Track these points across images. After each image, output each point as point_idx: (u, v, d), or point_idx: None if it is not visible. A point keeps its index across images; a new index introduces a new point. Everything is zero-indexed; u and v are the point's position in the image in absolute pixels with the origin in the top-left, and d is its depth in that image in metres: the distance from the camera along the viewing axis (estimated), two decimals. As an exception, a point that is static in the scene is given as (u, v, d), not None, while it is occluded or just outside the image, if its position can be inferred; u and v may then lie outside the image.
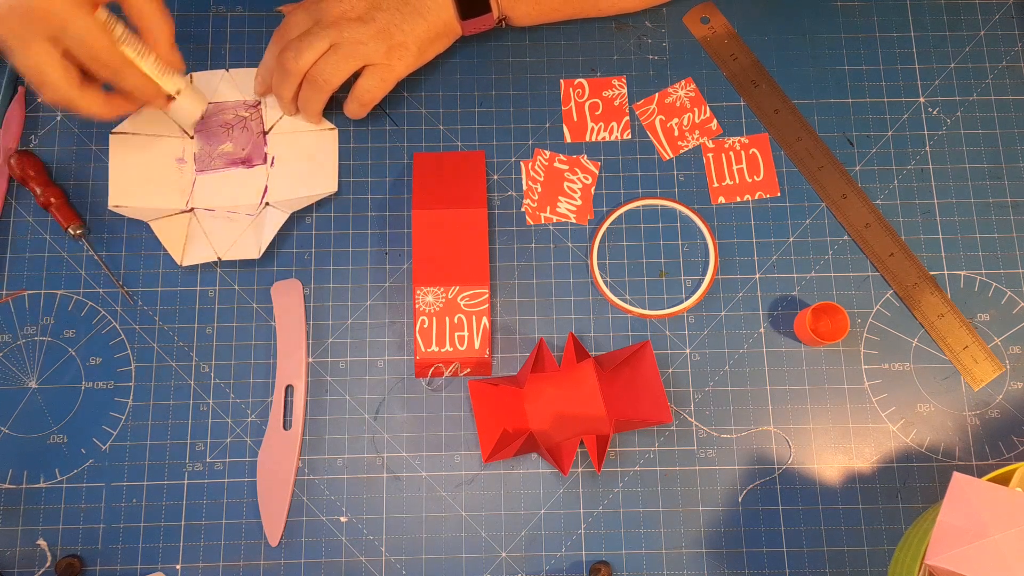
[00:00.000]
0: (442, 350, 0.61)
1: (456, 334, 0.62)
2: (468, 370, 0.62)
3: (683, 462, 0.61)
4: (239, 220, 0.63)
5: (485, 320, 0.62)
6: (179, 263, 0.62)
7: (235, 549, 0.59)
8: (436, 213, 0.63)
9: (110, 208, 0.62)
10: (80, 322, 0.63)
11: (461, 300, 0.62)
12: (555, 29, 0.68)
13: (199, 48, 0.67)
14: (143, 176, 0.63)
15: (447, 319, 0.62)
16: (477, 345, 0.61)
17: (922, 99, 0.67)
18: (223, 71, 0.66)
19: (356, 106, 0.62)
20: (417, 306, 0.62)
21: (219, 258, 0.62)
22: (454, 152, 0.66)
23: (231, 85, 0.66)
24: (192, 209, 0.63)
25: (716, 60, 0.68)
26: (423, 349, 0.61)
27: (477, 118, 0.67)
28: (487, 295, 0.62)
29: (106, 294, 0.63)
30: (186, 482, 0.60)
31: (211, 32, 0.68)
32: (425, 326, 0.62)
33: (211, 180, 0.64)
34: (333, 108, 0.65)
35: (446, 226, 0.62)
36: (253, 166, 0.64)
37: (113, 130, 0.63)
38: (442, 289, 0.62)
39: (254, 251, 0.62)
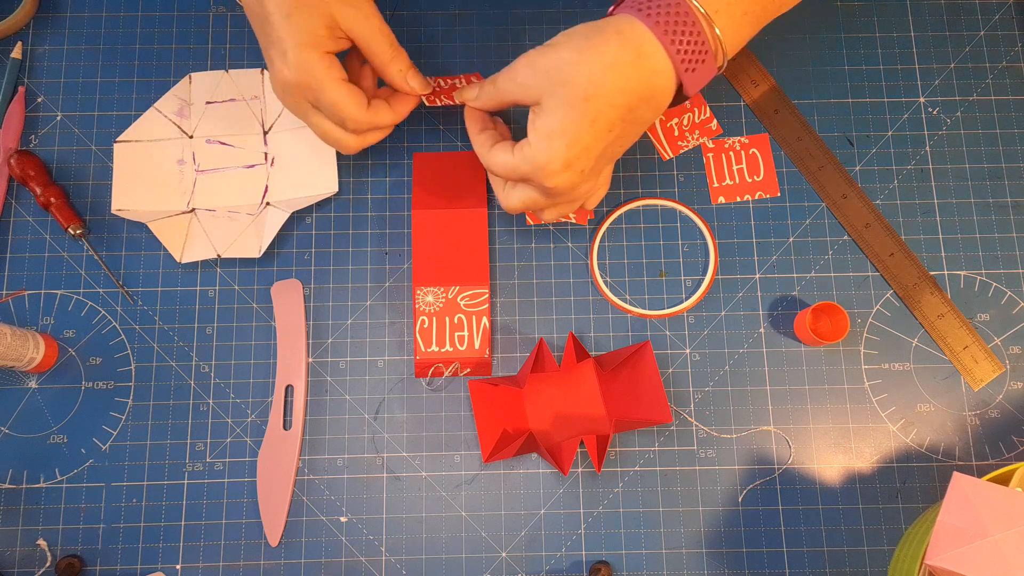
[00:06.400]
0: (442, 350, 0.61)
1: (456, 334, 0.62)
2: (468, 370, 0.62)
3: (683, 462, 0.61)
4: (240, 220, 0.63)
5: (485, 320, 0.62)
6: (178, 260, 0.62)
7: (235, 549, 0.59)
8: (436, 213, 0.63)
9: (113, 212, 0.62)
10: (80, 322, 0.63)
11: (461, 300, 0.62)
12: (555, 29, 0.68)
13: (199, 48, 0.67)
14: (146, 180, 0.63)
15: (447, 319, 0.62)
16: (477, 345, 0.61)
17: (922, 99, 0.67)
18: (223, 71, 0.66)
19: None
20: (417, 306, 0.62)
21: (219, 255, 0.62)
22: (454, 152, 0.66)
23: (231, 85, 0.66)
24: (193, 210, 0.64)
25: (716, 60, 0.68)
26: (423, 349, 0.61)
27: (477, 118, 0.66)
28: (487, 295, 0.62)
29: (106, 294, 0.63)
30: (186, 482, 0.60)
31: (211, 32, 0.68)
32: (425, 326, 0.62)
33: (212, 180, 0.64)
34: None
35: (446, 226, 0.63)
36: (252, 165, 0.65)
37: (117, 139, 0.64)
38: (442, 289, 0.62)
39: (254, 250, 0.62)
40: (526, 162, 0.51)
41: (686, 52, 0.48)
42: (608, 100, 0.48)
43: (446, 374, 0.62)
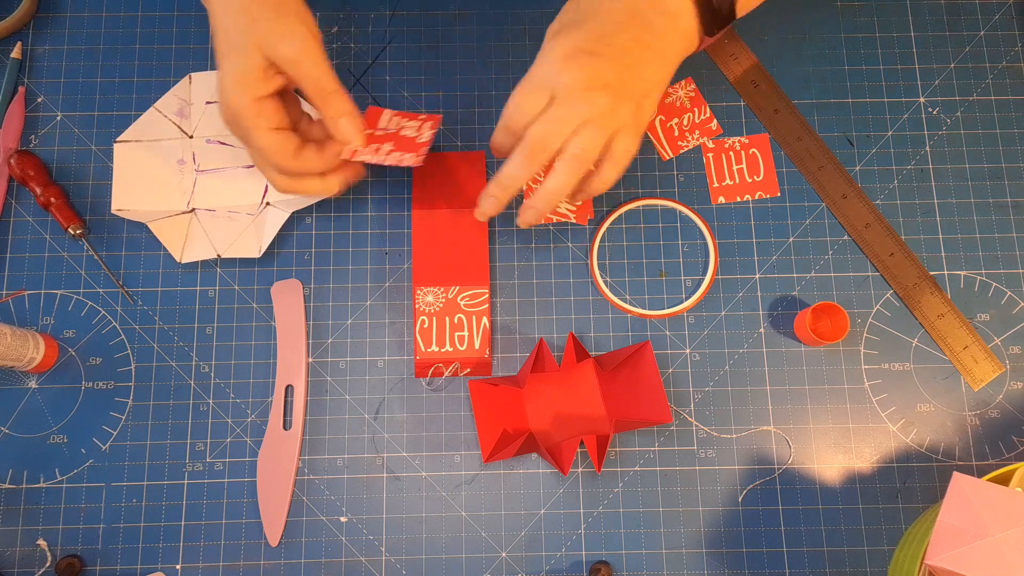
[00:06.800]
0: (442, 350, 0.61)
1: (456, 334, 0.62)
2: (468, 370, 0.62)
3: (683, 462, 0.61)
4: (240, 220, 0.63)
5: (485, 320, 0.62)
6: (178, 260, 0.62)
7: (235, 549, 0.59)
8: (436, 213, 0.63)
9: (113, 212, 0.62)
10: (80, 322, 0.63)
11: (461, 300, 0.62)
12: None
13: (199, 48, 0.67)
14: (146, 180, 0.63)
15: (447, 319, 0.62)
16: (477, 345, 0.61)
17: (922, 99, 0.67)
18: (223, 71, 0.66)
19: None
20: (417, 306, 0.62)
21: (219, 256, 0.62)
22: (454, 152, 0.66)
23: (231, 85, 0.66)
24: (193, 210, 0.64)
25: (716, 60, 0.68)
26: (423, 349, 0.61)
27: (477, 118, 0.67)
28: (487, 295, 0.62)
29: (106, 294, 0.63)
30: (186, 482, 0.60)
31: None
32: (425, 326, 0.62)
33: (212, 180, 0.64)
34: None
35: (446, 226, 0.63)
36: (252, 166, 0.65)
37: (117, 139, 0.64)
38: (442, 289, 0.62)
39: (254, 250, 0.62)
40: (536, 68, 0.51)
41: None
42: None
43: (446, 374, 0.62)
